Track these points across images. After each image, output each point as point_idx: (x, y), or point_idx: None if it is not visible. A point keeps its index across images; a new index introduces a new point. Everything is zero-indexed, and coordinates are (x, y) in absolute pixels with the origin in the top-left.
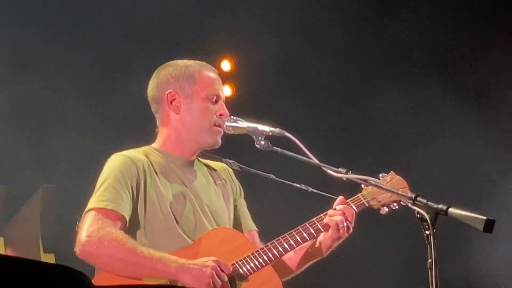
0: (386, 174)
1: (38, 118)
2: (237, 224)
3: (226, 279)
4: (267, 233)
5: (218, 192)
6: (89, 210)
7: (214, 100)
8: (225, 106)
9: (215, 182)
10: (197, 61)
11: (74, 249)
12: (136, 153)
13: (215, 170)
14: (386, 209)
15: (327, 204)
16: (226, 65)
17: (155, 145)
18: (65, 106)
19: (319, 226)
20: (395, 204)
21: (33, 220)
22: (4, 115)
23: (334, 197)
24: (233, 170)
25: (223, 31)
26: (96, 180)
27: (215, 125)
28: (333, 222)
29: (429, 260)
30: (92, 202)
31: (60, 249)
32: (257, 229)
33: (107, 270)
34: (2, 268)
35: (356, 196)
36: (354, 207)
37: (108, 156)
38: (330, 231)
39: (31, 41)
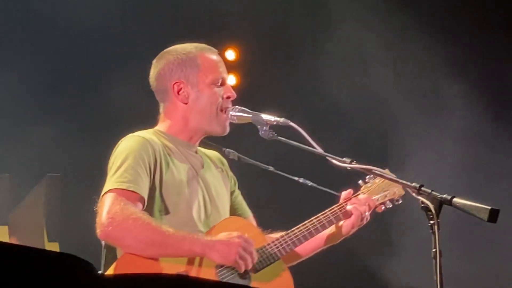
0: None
1: (43, 106)
2: (234, 212)
3: (254, 252)
4: (264, 224)
5: (219, 179)
6: (109, 191)
7: (219, 84)
8: (231, 88)
9: (216, 169)
10: (196, 45)
11: (96, 232)
12: (149, 135)
13: (210, 157)
14: (382, 207)
15: (326, 198)
16: (230, 55)
17: (161, 128)
18: (68, 94)
19: (340, 214)
20: (389, 202)
21: (38, 208)
22: (8, 104)
23: (334, 192)
24: (230, 160)
25: (228, 20)
26: (100, 168)
27: (221, 110)
28: (358, 211)
29: (434, 250)
30: (112, 183)
31: (64, 238)
32: (252, 215)
33: (131, 252)
34: (7, 256)
35: (358, 193)
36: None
37: (112, 143)
38: (352, 218)
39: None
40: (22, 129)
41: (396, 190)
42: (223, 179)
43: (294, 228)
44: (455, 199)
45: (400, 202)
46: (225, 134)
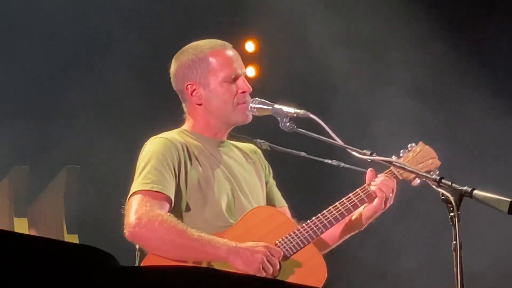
0: (415, 145)
1: (61, 98)
2: (269, 202)
3: (277, 264)
4: (300, 212)
5: (250, 170)
6: (135, 193)
7: (233, 79)
8: (246, 81)
9: (246, 161)
10: (209, 42)
11: (124, 232)
12: (172, 135)
13: (241, 150)
14: (418, 181)
15: (360, 179)
16: (250, 46)
17: (186, 127)
18: (88, 88)
19: (363, 196)
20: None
21: (57, 201)
22: (26, 95)
23: (366, 170)
24: (263, 150)
25: (248, 12)
26: (120, 160)
27: (238, 103)
28: (382, 194)
29: (454, 242)
30: (137, 185)
31: (84, 230)
32: (286, 205)
33: (157, 253)
34: (27, 248)
35: (389, 169)
36: (398, 175)
37: (128, 136)
38: (375, 202)
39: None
40: (40, 121)
41: (431, 161)
42: (256, 170)
43: (325, 211)
44: (475, 191)
45: (437, 173)
46: (248, 122)
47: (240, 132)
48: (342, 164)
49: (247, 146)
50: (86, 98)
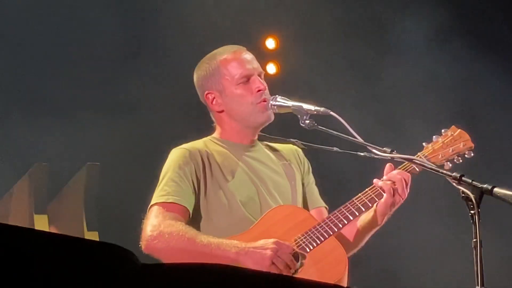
0: (447, 129)
1: (81, 96)
2: (305, 202)
3: (290, 257)
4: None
5: (281, 172)
6: (151, 206)
7: (246, 80)
8: (260, 79)
9: (279, 162)
10: (222, 48)
11: (139, 245)
12: (195, 144)
13: (277, 151)
14: (450, 164)
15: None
16: (271, 43)
17: (215, 135)
18: (110, 87)
19: (380, 190)
20: (459, 157)
21: (77, 198)
22: (45, 93)
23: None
24: (302, 149)
25: (268, 8)
26: (139, 158)
27: (257, 103)
28: (388, 187)
29: (474, 240)
30: (154, 198)
31: (104, 227)
32: (326, 206)
33: (171, 262)
34: (47, 245)
35: (405, 163)
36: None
37: (150, 134)
38: (385, 197)
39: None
40: (60, 119)
41: (463, 143)
42: (287, 171)
43: (347, 203)
44: (496, 189)
45: (472, 155)
46: (271, 121)
47: (270, 132)
48: (371, 154)
49: (285, 147)
50: (108, 96)
